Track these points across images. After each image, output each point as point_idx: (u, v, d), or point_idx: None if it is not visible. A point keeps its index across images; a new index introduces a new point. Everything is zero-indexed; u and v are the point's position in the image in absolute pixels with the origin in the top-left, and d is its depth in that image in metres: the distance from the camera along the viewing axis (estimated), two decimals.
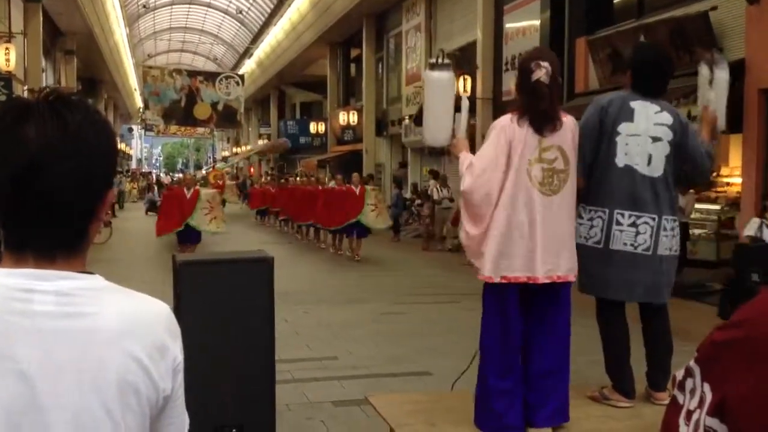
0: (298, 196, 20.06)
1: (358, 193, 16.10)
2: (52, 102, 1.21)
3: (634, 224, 4.20)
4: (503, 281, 3.81)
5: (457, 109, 4.32)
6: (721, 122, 4.66)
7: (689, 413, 0.78)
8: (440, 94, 4.31)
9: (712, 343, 0.80)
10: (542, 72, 3.87)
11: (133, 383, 1.21)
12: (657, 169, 4.25)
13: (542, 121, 3.87)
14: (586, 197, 4.32)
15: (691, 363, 0.82)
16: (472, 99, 17.56)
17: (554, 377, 3.84)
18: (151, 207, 29.82)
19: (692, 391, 0.79)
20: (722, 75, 4.70)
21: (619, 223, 4.20)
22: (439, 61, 4.37)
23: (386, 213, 17.09)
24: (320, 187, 19.19)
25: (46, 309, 1.17)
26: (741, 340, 0.76)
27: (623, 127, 4.24)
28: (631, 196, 4.21)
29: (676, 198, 4.53)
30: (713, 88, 4.66)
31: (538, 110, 3.85)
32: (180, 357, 1.30)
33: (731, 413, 0.73)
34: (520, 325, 3.86)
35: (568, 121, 3.99)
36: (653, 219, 4.25)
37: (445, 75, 4.31)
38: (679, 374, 0.84)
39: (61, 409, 1.16)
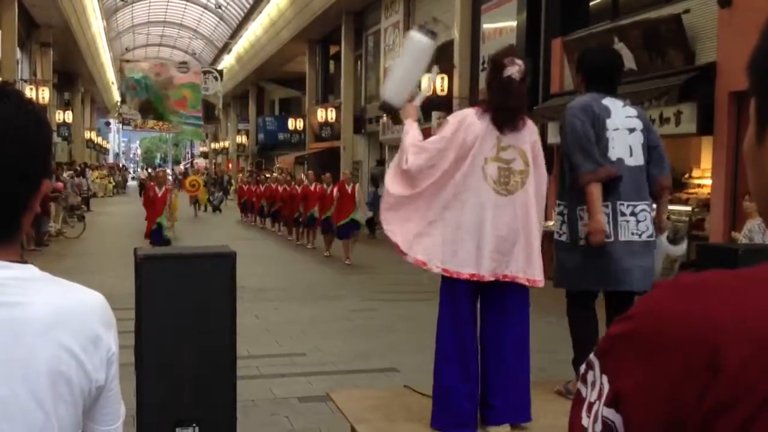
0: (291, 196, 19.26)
1: (350, 191, 15.63)
2: None
3: (633, 213, 4.28)
4: (445, 273, 3.80)
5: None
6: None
7: (590, 405, 0.80)
8: (414, 57, 4.21)
9: (609, 335, 0.81)
10: (515, 69, 3.85)
11: (65, 374, 1.20)
12: (638, 159, 4.36)
13: (506, 119, 3.83)
14: (579, 198, 4.33)
15: (591, 356, 0.83)
16: (448, 97, 17.60)
17: (512, 375, 3.84)
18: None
19: (593, 384, 0.80)
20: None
21: (623, 214, 4.27)
22: (428, 26, 4.28)
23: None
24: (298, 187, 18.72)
25: None
26: (630, 333, 0.77)
27: (608, 123, 4.32)
28: (626, 187, 4.28)
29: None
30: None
31: (506, 106, 3.82)
32: (114, 348, 1.30)
33: (624, 405, 0.75)
34: (473, 324, 3.86)
35: (530, 124, 3.98)
36: (648, 206, 4.35)
37: (426, 40, 4.19)
38: (582, 367, 0.85)
39: None
